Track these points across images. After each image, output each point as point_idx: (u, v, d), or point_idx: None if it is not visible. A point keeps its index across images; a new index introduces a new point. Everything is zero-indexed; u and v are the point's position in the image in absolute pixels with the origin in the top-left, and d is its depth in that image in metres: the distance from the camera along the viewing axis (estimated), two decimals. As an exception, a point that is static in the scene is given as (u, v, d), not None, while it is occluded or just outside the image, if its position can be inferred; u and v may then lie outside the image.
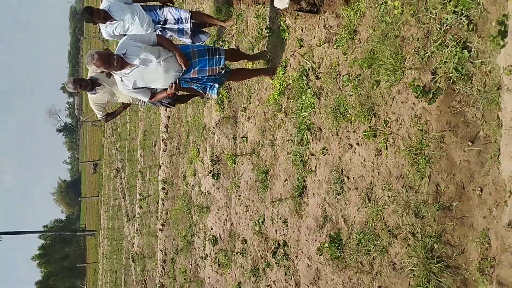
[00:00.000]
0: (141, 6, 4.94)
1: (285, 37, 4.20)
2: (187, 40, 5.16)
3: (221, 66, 4.06)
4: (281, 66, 4.22)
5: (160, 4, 5.02)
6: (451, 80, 2.41)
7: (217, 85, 4.13)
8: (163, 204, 8.84)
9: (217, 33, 5.95)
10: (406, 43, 2.73)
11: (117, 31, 4.80)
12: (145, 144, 11.03)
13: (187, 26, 5.06)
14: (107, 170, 21.60)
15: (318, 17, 3.66)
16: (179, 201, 7.68)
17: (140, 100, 4.88)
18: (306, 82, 3.79)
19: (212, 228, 6.02)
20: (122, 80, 3.96)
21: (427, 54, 2.56)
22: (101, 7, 4.78)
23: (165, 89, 4.01)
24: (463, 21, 2.33)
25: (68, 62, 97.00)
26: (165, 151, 8.78)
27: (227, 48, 5.16)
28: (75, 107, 67.84)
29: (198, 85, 4.11)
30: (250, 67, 4.84)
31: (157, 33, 4.89)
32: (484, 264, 2.22)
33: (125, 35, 4.61)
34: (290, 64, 4.11)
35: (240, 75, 4.73)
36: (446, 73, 2.44)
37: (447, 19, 2.42)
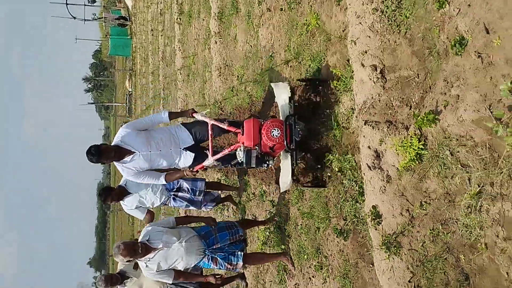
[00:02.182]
0: None
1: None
2: (195, 209, 6.01)
3: (240, 234, 4.63)
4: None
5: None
6: (354, 223, 3.67)
7: (239, 252, 4.45)
8: None
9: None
10: (329, 200, 4.07)
11: (134, 204, 5.24)
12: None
13: (199, 198, 5.59)
14: None
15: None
16: None
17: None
18: (279, 235, 5.08)
19: None
20: (146, 266, 4.18)
21: (339, 206, 3.87)
22: (120, 184, 5.28)
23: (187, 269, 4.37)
24: (354, 186, 3.69)
25: (95, 236, 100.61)
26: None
27: (239, 220, 5.80)
28: None
29: (221, 254, 4.40)
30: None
31: (171, 201, 5.45)
32: None
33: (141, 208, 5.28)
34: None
35: (256, 259, 4.96)
36: (351, 219, 3.71)
37: (344, 183, 3.79)
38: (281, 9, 5.09)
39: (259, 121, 4.15)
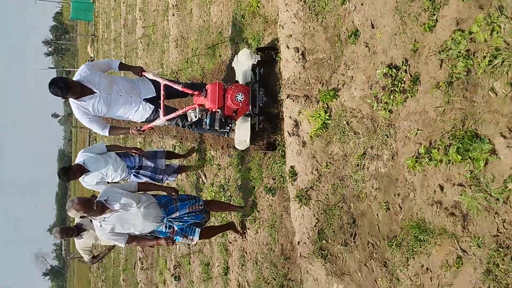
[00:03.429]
0: (117, 153, 5.43)
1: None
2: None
3: (200, 203, 4.49)
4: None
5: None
6: (281, 182, 4.36)
7: (197, 229, 4.41)
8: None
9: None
10: (263, 163, 4.74)
11: (94, 180, 5.16)
12: (126, 267, 12.47)
13: (160, 177, 5.72)
14: (93, 306, 22.23)
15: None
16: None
17: None
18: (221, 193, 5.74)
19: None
20: (100, 225, 4.11)
21: (270, 168, 4.54)
22: (76, 161, 5.10)
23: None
24: (282, 150, 4.36)
25: (56, 204, 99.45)
26: (142, 268, 10.30)
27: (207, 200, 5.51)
28: (62, 248, 67.82)
29: (180, 224, 4.34)
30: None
31: (131, 177, 5.49)
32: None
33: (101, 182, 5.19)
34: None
35: (210, 234, 5.06)
36: (278, 178, 4.40)
37: (274, 164, 4.45)
38: (229, -11, 5.61)
39: (223, 85, 4.31)
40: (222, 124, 4.29)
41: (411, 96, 2.73)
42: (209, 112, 4.25)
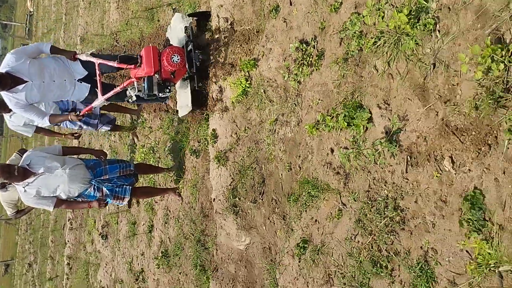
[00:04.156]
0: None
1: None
2: (89, 129, 5.92)
3: (131, 168, 4.57)
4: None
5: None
6: (205, 145, 4.64)
7: (128, 187, 4.43)
8: (67, 279, 10.18)
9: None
10: (190, 126, 4.99)
11: (21, 121, 5.05)
12: (55, 228, 12.41)
13: (95, 122, 5.63)
14: (19, 268, 21.76)
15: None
16: (80, 270, 9.18)
17: None
18: (150, 155, 5.95)
19: (101, 281, 7.64)
20: (25, 191, 4.03)
21: (196, 131, 4.81)
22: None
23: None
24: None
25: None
26: (70, 229, 10.34)
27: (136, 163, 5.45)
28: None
29: (109, 185, 4.35)
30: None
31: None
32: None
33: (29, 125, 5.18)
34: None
35: (144, 192, 5.14)
36: (203, 141, 4.68)
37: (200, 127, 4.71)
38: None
39: (158, 48, 4.20)
40: (160, 87, 4.13)
41: (316, 70, 3.08)
42: (147, 77, 4.09)
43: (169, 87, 4.16)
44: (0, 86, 3.97)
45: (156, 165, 5.64)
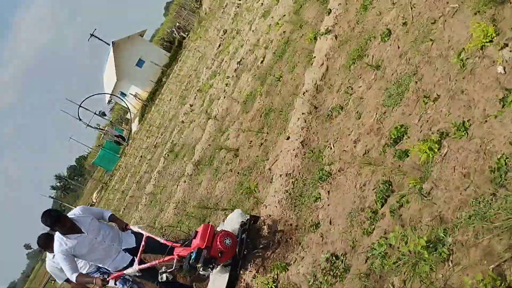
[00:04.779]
0: None
1: None
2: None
3: None
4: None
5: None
6: None
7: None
8: None
9: None
10: None
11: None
12: None
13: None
14: None
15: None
16: None
17: None
18: None
19: None
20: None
21: None
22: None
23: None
24: None
25: None
26: None
27: None
28: None
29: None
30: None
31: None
32: None
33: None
34: None
35: None
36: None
37: None
38: (238, 173, 6.71)
39: (214, 229, 4.52)
40: (206, 261, 4.26)
41: (340, 281, 3.35)
42: (197, 249, 4.29)
43: (213, 264, 4.33)
44: (59, 225, 4.42)
45: None
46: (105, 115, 79.46)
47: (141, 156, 22.75)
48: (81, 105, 38.43)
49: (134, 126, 39.89)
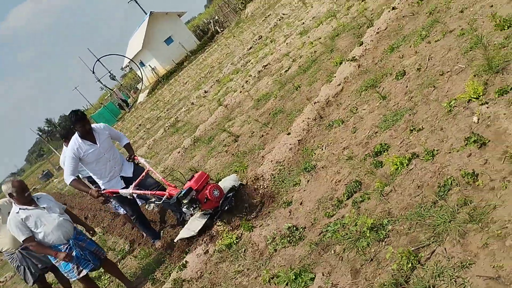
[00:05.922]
0: None
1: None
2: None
3: (103, 252, 5.20)
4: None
5: None
6: (166, 276, 5.22)
7: (86, 270, 4.91)
8: None
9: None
10: (167, 259, 5.64)
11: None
12: None
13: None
14: None
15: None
16: None
17: None
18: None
19: None
20: (17, 212, 4.68)
21: (166, 266, 5.45)
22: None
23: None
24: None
25: None
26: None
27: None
28: None
29: (80, 253, 4.88)
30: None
31: None
32: None
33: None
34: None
35: (112, 268, 5.57)
36: (166, 275, 5.27)
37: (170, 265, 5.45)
38: (232, 155, 7.39)
39: (209, 178, 5.01)
40: (191, 201, 4.75)
41: (293, 246, 4.02)
42: (188, 188, 4.78)
43: (195, 206, 4.82)
44: (81, 123, 4.95)
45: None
46: (115, 78, 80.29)
47: (140, 125, 23.41)
48: (100, 59, 39.13)
49: (141, 97, 40.58)
